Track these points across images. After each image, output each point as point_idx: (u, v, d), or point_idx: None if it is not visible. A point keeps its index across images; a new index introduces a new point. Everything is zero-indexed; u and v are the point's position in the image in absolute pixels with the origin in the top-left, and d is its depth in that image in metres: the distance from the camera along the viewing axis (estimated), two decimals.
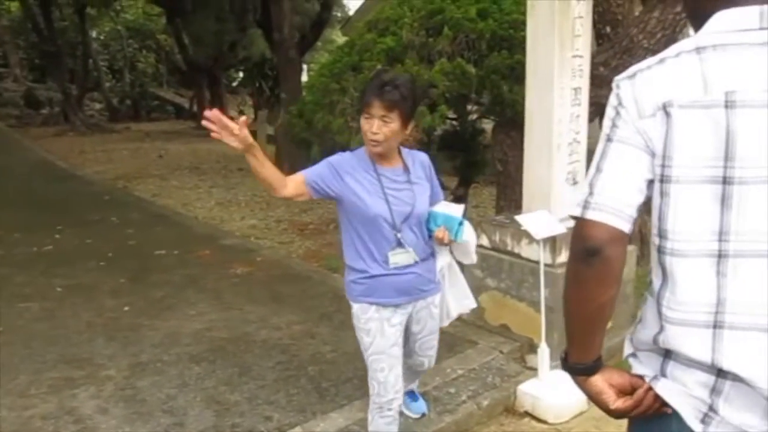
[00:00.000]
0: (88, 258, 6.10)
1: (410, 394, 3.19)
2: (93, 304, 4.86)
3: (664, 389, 1.26)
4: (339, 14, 19.02)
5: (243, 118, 2.19)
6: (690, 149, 1.17)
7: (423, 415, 3.19)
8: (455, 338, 3.94)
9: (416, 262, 2.55)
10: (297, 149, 8.96)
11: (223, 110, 14.67)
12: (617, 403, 1.31)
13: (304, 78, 13.63)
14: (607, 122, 1.27)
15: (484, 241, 4.07)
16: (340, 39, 18.16)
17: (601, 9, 4.80)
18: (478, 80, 4.69)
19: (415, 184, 2.55)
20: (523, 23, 4.04)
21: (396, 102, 2.35)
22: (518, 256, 3.91)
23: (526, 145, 3.96)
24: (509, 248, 3.96)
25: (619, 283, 1.27)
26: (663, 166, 1.20)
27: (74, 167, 12.48)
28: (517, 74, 4.47)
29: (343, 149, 4.62)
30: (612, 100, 1.27)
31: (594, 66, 4.07)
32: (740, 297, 1.17)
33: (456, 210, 2.61)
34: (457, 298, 2.85)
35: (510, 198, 4.85)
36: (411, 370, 3.00)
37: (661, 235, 1.23)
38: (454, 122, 5.87)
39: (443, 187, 2.76)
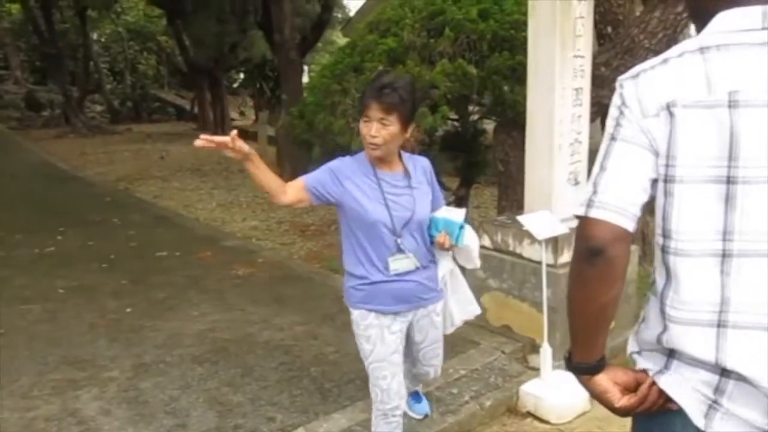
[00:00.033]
0: (90, 259, 6.11)
1: (414, 395, 3.18)
2: (95, 305, 4.87)
3: (667, 384, 1.26)
4: (339, 15, 19.03)
5: (233, 132, 2.21)
6: (694, 149, 1.17)
7: (426, 416, 3.19)
8: (457, 339, 3.93)
9: (417, 269, 2.52)
10: (298, 150, 8.96)
11: (224, 111, 14.64)
12: (622, 401, 1.31)
13: (305, 79, 13.64)
14: (610, 122, 1.27)
15: (486, 242, 4.08)
16: (341, 40, 18.18)
17: (602, 9, 4.81)
18: (479, 81, 4.69)
19: (415, 189, 2.52)
20: (524, 24, 4.04)
21: (395, 104, 2.33)
22: (520, 256, 3.91)
23: (527, 146, 3.96)
24: (511, 248, 3.96)
25: (622, 283, 1.27)
26: (667, 165, 1.20)
27: (75, 169, 12.50)
28: (518, 75, 4.47)
29: (345, 150, 4.66)
30: (615, 100, 1.27)
31: (595, 66, 4.07)
32: (744, 296, 1.17)
33: (457, 215, 2.58)
34: (460, 305, 2.81)
35: (511, 198, 4.85)
36: (417, 379, 2.99)
37: (665, 234, 1.23)
38: (456, 123, 5.87)
39: (444, 188, 2.75)
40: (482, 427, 3.30)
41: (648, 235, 4.76)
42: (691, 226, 1.19)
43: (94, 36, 24.77)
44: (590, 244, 1.23)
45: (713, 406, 1.21)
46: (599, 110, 4.44)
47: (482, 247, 3.99)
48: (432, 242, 2.57)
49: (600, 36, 4.98)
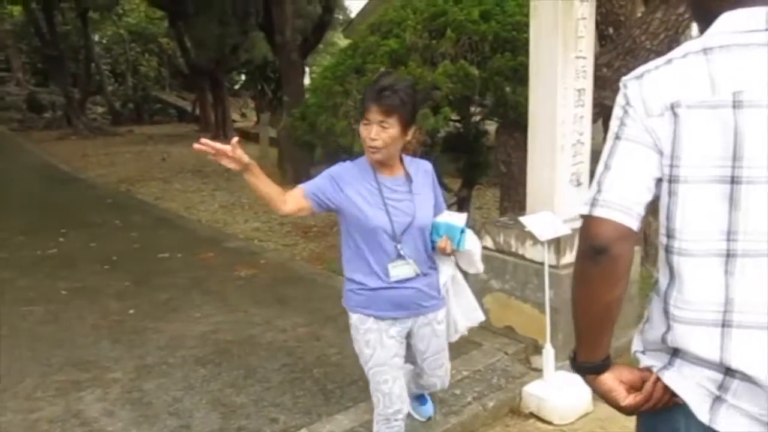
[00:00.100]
0: (92, 261, 6.12)
1: (419, 397, 3.16)
2: (98, 307, 4.88)
3: (672, 379, 1.27)
4: (341, 17, 19.04)
5: (235, 139, 2.19)
6: (698, 149, 1.18)
7: (430, 418, 3.17)
8: (460, 340, 3.87)
9: (417, 275, 2.49)
10: (300, 152, 8.97)
11: (225, 113, 14.64)
12: (628, 399, 1.32)
13: (306, 80, 13.65)
14: (614, 121, 1.28)
15: (489, 243, 4.08)
16: (342, 41, 18.20)
17: (603, 10, 4.81)
18: (481, 82, 4.70)
19: (416, 194, 2.49)
20: (526, 25, 4.04)
21: (394, 107, 2.30)
22: (522, 257, 3.91)
23: (529, 147, 3.96)
24: (513, 249, 3.96)
25: (626, 281, 1.28)
26: (671, 165, 1.20)
27: (77, 171, 12.51)
28: (520, 76, 4.47)
29: (346, 151, 4.67)
30: (619, 100, 1.28)
31: (597, 67, 4.07)
32: (748, 296, 1.17)
33: (458, 219, 2.54)
34: (464, 311, 2.76)
35: (513, 199, 4.86)
36: (423, 387, 2.96)
37: (669, 234, 1.23)
38: (458, 124, 5.88)
39: (446, 189, 2.74)
40: (485, 428, 3.30)
41: (650, 236, 4.76)
42: (695, 226, 1.20)
43: (96, 38, 24.80)
44: (594, 243, 1.23)
45: (718, 400, 1.21)
46: (601, 111, 4.45)
47: (485, 248, 3.99)
48: (434, 247, 2.54)
49: (602, 37, 4.99)
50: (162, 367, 3.83)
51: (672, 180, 1.21)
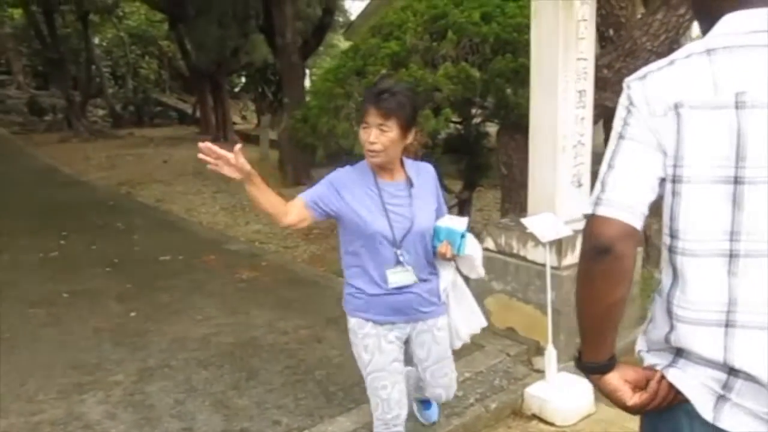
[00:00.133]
0: (94, 264, 6.13)
1: (423, 401, 3.12)
2: (99, 309, 4.88)
3: (676, 377, 1.27)
4: (341, 19, 19.04)
5: (238, 146, 2.15)
6: (701, 149, 1.18)
7: (434, 423, 3.14)
8: None
9: (416, 283, 2.46)
10: (300, 154, 8.99)
11: (226, 115, 14.63)
12: (634, 399, 1.32)
13: (307, 83, 13.66)
14: (618, 121, 1.28)
15: (490, 245, 4.08)
16: (342, 44, 18.21)
17: (604, 12, 4.82)
18: (482, 84, 4.70)
19: (417, 198, 2.45)
20: (527, 27, 4.05)
21: (393, 110, 2.28)
22: (524, 258, 3.91)
23: (530, 148, 3.97)
24: (515, 251, 3.96)
25: (630, 281, 1.28)
26: (675, 166, 1.21)
27: (78, 173, 12.52)
28: (521, 77, 4.47)
29: (348, 153, 4.68)
30: (623, 101, 1.28)
31: (598, 68, 4.08)
32: (751, 297, 1.18)
33: (459, 223, 2.51)
34: (465, 318, 2.71)
35: (515, 201, 4.86)
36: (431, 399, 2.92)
37: (673, 234, 1.24)
38: (459, 126, 5.89)
39: (447, 191, 2.71)
40: (487, 429, 3.30)
41: (651, 237, 4.76)
42: (699, 226, 1.20)
43: (96, 40, 24.81)
44: (598, 242, 1.23)
45: (722, 399, 1.21)
46: (601, 112, 4.45)
47: (486, 249, 4.01)
48: (434, 253, 2.50)
49: (602, 38, 5.00)
50: (164, 370, 3.83)
51: (675, 180, 1.21)
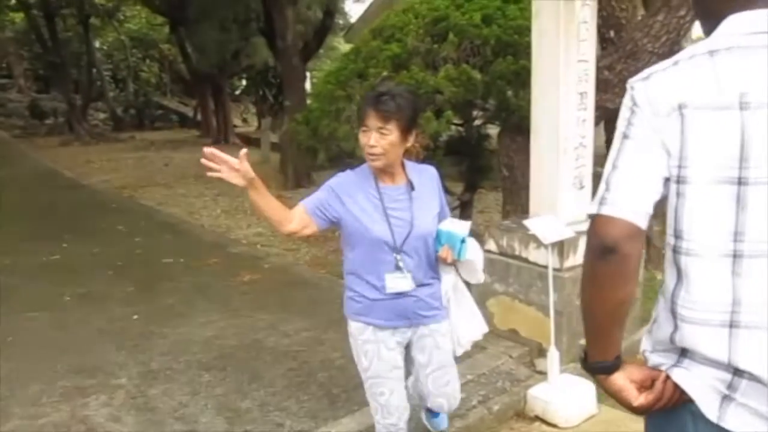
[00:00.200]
0: (96, 267, 6.14)
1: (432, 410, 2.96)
2: (102, 312, 4.89)
3: (681, 377, 1.27)
4: (341, 22, 19.05)
5: (243, 151, 2.12)
6: (705, 150, 1.18)
7: (443, 430, 3.08)
8: None
9: (413, 289, 2.41)
10: (302, 156, 8.98)
11: (227, 118, 14.67)
12: (639, 399, 1.32)
13: (308, 85, 13.68)
14: (622, 121, 1.28)
15: (492, 246, 4.09)
16: (343, 46, 18.21)
17: (604, 13, 4.82)
18: (483, 86, 4.71)
19: (417, 202, 2.42)
20: (528, 29, 4.06)
21: (392, 113, 2.25)
22: (526, 260, 3.91)
23: (532, 150, 3.97)
24: (517, 253, 3.97)
25: (635, 280, 1.28)
26: (679, 166, 1.21)
27: (80, 177, 12.55)
28: (522, 79, 4.48)
29: (349, 156, 4.68)
30: (626, 101, 1.28)
31: (599, 70, 4.08)
32: (755, 297, 1.18)
33: (461, 227, 2.45)
34: (466, 322, 2.65)
35: (516, 203, 4.86)
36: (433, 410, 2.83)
37: (677, 235, 1.24)
38: (460, 128, 5.89)
39: (449, 193, 2.67)
40: (490, 431, 3.30)
41: (652, 238, 4.76)
42: (703, 226, 1.20)
43: (97, 44, 24.87)
44: (603, 242, 1.24)
45: (726, 399, 1.22)
46: (602, 114, 4.46)
47: (488, 251, 4.02)
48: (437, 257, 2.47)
49: (603, 40, 5.00)
50: (167, 373, 3.83)
51: (680, 181, 1.21)
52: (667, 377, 1.29)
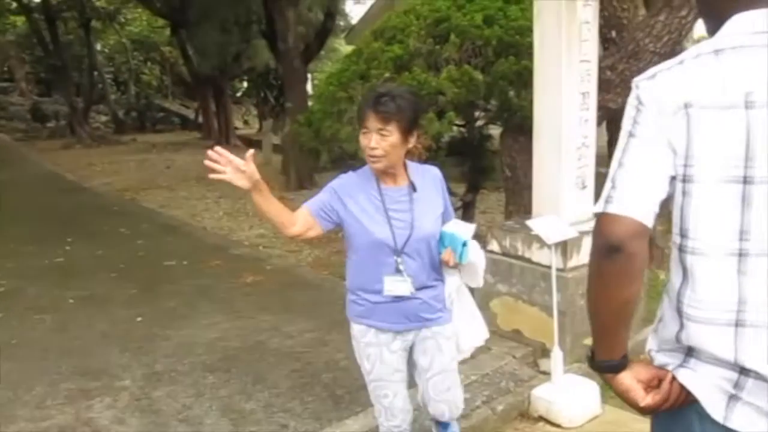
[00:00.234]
0: (99, 269, 6.15)
1: (442, 423, 2.82)
2: (106, 315, 4.90)
3: (686, 378, 1.28)
4: (342, 23, 19.07)
5: (251, 151, 2.11)
6: (711, 149, 1.19)
7: None
8: None
9: (412, 293, 2.37)
10: (304, 158, 9.01)
11: (228, 120, 14.70)
12: (646, 400, 1.32)
13: (309, 87, 13.70)
14: (627, 120, 1.28)
15: (495, 247, 4.09)
16: (344, 48, 18.24)
17: (606, 14, 4.82)
18: (485, 86, 4.71)
19: (418, 203, 2.38)
20: (529, 29, 4.06)
21: (392, 114, 2.22)
22: (529, 260, 3.92)
23: (534, 150, 3.97)
24: (520, 253, 3.97)
25: (641, 278, 1.28)
26: (685, 165, 1.21)
27: (82, 179, 12.57)
28: (524, 80, 4.49)
29: (351, 157, 4.69)
30: (631, 100, 1.28)
31: (601, 70, 4.08)
32: (760, 296, 1.18)
33: (465, 230, 2.41)
34: (467, 327, 2.60)
35: (519, 203, 4.86)
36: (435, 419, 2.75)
37: (683, 234, 1.24)
38: (462, 129, 5.90)
39: (451, 193, 2.64)
40: (494, 431, 3.30)
41: (655, 238, 4.76)
42: (709, 225, 1.20)
43: (98, 47, 24.93)
44: (609, 240, 1.23)
45: (733, 399, 1.22)
46: (604, 114, 4.46)
47: (491, 252, 4.02)
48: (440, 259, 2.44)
49: (604, 40, 5.00)
50: (171, 375, 3.84)
51: (685, 180, 1.22)
52: (674, 378, 1.29)
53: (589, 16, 3.77)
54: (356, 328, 2.49)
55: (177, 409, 3.42)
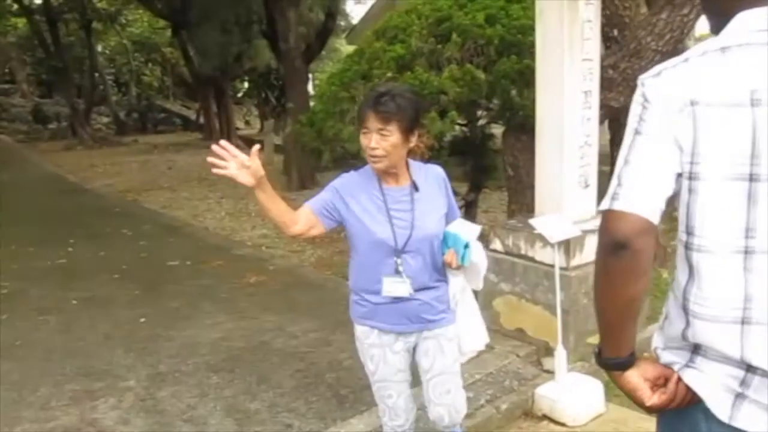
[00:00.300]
0: (102, 270, 6.15)
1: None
2: (109, 315, 4.90)
3: (692, 378, 1.28)
4: (343, 23, 19.08)
5: (256, 147, 2.09)
6: (717, 147, 1.19)
7: None
8: None
9: (411, 295, 2.34)
10: (305, 158, 9.02)
11: (230, 121, 14.68)
12: (653, 399, 1.32)
13: (310, 87, 13.70)
14: (633, 118, 1.28)
15: (498, 246, 4.09)
16: (345, 48, 18.25)
17: (608, 12, 4.82)
18: (487, 86, 4.71)
19: (420, 203, 2.36)
20: (531, 28, 4.06)
21: (392, 113, 2.19)
22: (532, 259, 3.92)
23: (537, 149, 3.98)
24: (523, 252, 3.97)
25: (648, 275, 1.28)
26: (691, 163, 1.21)
27: (84, 181, 12.58)
28: (526, 79, 4.49)
29: (353, 157, 4.69)
30: (637, 98, 1.28)
31: (603, 69, 4.09)
32: (766, 293, 1.18)
33: (469, 230, 2.37)
34: (469, 329, 2.56)
35: (521, 202, 4.87)
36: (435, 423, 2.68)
37: (689, 231, 1.24)
38: (464, 128, 5.90)
39: (454, 193, 2.62)
40: (498, 430, 3.30)
41: (657, 237, 4.76)
42: (715, 223, 1.20)
43: (99, 48, 24.96)
44: (615, 238, 1.23)
45: (739, 397, 1.22)
46: (607, 113, 4.46)
47: (494, 251, 4.02)
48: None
49: (606, 39, 5.00)
50: (175, 375, 3.84)
51: (692, 177, 1.21)
52: (680, 378, 1.29)
53: (591, 14, 3.77)
54: (359, 330, 2.49)
55: (181, 410, 3.43)
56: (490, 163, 5.97)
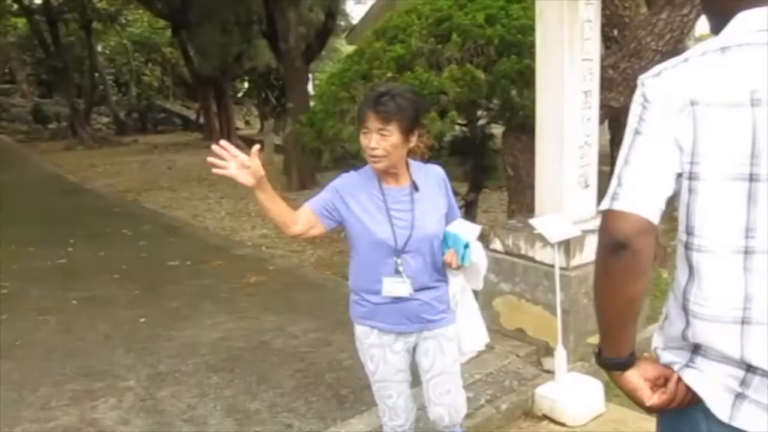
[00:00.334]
0: (102, 270, 6.15)
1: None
2: (109, 315, 4.90)
3: (692, 378, 1.28)
4: (343, 23, 19.08)
5: (256, 146, 2.09)
6: (717, 147, 1.19)
7: None
8: None
9: (411, 295, 2.34)
10: (305, 158, 9.02)
11: (230, 121, 14.70)
12: (653, 399, 1.32)
13: (310, 87, 13.70)
14: (633, 118, 1.28)
15: (498, 246, 4.09)
16: (345, 48, 18.25)
17: (608, 12, 4.82)
18: (487, 85, 4.71)
19: (420, 203, 2.35)
20: (531, 28, 4.06)
21: (392, 113, 2.19)
22: (532, 259, 3.92)
23: (537, 149, 3.98)
24: (523, 252, 3.97)
25: (649, 275, 1.28)
26: (691, 163, 1.21)
27: (84, 181, 12.58)
28: (526, 79, 4.49)
29: (353, 157, 4.69)
30: (637, 98, 1.28)
31: (603, 69, 4.09)
32: (766, 293, 1.18)
33: (469, 231, 2.37)
34: (468, 329, 2.55)
35: (521, 202, 4.87)
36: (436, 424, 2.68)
37: (689, 231, 1.24)
38: (464, 128, 5.90)
39: (454, 193, 2.62)
40: (498, 430, 3.30)
41: (656, 237, 4.76)
42: (715, 223, 1.20)
43: (99, 48, 24.96)
44: (614, 237, 1.23)
45: (740, 397, 1.22)
46: (607, 113, 4.46)
47: (494, 251, 4.02)
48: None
49: (606, 39, 5.00)
50: (175, 375, 3.84)
51: (692, 177, 1.21)
52: (680, 378, 1.29)
53: (591, 14, 3.77)
54: (360, 330, 2.49)
55: (181, 410, 3.43)
56: (490, 163, 5.97)
